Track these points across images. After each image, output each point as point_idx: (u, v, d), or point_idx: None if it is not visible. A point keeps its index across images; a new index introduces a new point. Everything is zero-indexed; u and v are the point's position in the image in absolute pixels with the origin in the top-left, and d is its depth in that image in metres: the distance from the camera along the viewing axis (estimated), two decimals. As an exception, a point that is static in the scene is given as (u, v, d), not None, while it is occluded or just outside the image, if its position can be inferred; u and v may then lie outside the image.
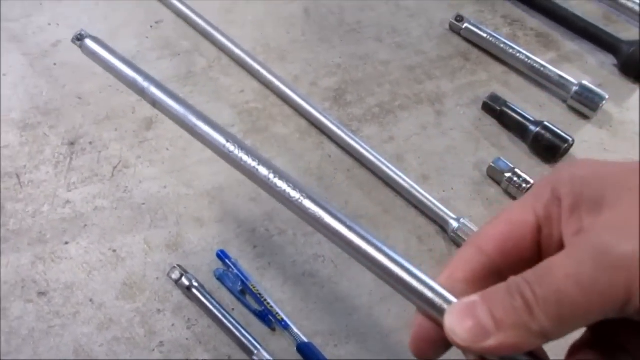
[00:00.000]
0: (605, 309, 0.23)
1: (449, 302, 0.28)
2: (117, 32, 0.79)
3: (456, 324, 0.26)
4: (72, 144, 0.68)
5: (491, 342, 0.25)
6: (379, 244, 0.31)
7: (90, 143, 0.68)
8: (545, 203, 0.28)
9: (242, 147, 0.38)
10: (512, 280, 0.26)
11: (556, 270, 0.24)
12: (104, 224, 0.62)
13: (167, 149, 0.68)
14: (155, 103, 0.43)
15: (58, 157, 0.67)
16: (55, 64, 0.75)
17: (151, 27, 0.81)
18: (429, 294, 0.28)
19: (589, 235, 0.25)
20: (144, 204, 0.64)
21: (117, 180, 0.65)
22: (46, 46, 0.77)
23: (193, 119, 0.41)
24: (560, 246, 0.27)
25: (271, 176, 0.36)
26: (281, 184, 0.36)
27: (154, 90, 0.43)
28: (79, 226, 0.62)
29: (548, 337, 0.25)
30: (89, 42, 0.49)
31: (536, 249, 0.29)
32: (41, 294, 0.57)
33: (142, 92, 0.44)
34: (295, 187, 0.35)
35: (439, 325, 0.28)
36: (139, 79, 0.44)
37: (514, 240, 0.28)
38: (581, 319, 0.24)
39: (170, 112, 0.42)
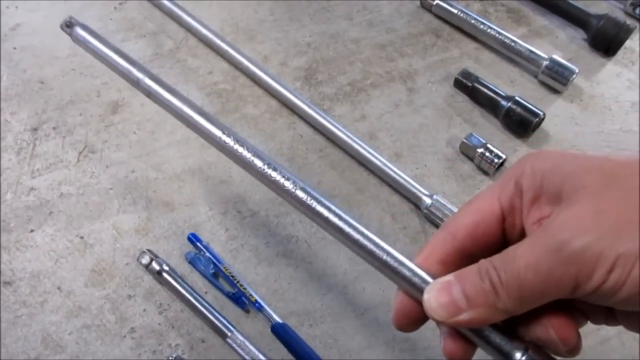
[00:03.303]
0: (558, 293, 0.27)
1: (426, 282, 0.32)
2: (79, 14, 0.77)
3: (433, 301, 0.30)
4: (35, 129, 0.66)
5: (463, 317, 0.29)
6: (368, 233, 0.34)
7: (54, 128, 0.66)
8: (509, 195, 0.32)
9: (238, 139, 0.39)
10: (482, 263, 0.30)
11: (519, 260, 0.28)
12: (70, 211, 0.60)
13: (135, 133, 0.67)
14: (150, 94, 0.43)
15: (21, 144, 0.65)
16: (15, 48, 0.73)
17: (115, 8, 0.79)
18: (410, 275, 0.32)
19: (547, 230, 0.28)
20: (111, 189, 0.62)
21: (83, 166, 0.64)
22: (5, 30, 0.75)
23: (189, 111, 0.41)
24: (522, 233, 0.32)
25: (265, 167, 0.38)
26: (275, 175, 0.37)
27: (148, 82, 0.42)
28: (44, 213, 0.60)
29: (510, 313, 0.29)
30: (79, 30, 0.46)
31: (501, 235, 0.32)
32: (6, 283, 0.56)
33: (136, 83, 0.43)
34: (288, 178, 0.37)
35: (418, 302, 0.32)
36: (134, 70, 0.43)
37: (482, 228, 0.32)
38: (538, 300, 0.28)
39: (166, 104, 0.42)
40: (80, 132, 0.66)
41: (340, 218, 0.35)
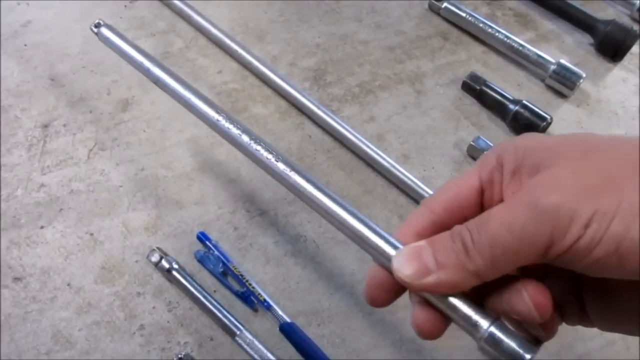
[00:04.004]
0: (532, 253, 0.26)
1: (398, 249, 0.32)
2: (90, 12, 0.77)
3: (403, 263, 0.30)
4: (45, 126, 0.66)
5: (431, 279, 0.28)
6: (343, 202, 0.35)
7: (65, 125, 0.67)
8: (489, 169, 0.31)
9: (229, 118, 0.44)
10: (456, 227, 0.29)
11: (493, 219, 0.27)
12: (80, 208, 0.61)
13: (144, 131, 0.67)
14: (157, 81, 0.49)
15: (31, 140, 0.65)
16: (26, 45, 0.73)
17: (125, 6, 0.79)
18: (382, 243, 0.32)
19: (523, 190, 0.28)
20: (121, 186, 0.63)
21: (93, 163, 0.64)
22: (16, 26, 0.75)
23: (187, 94, 0.46)
24: None
25: (252, 142, 0.42)
26: (259, 148, 0.41)
27: (156, 70, 0.49)
28: (54, 210, 0.60)
29: (482, 277, 0.28)
30: (104, 30, 0.54)
31: (479, 209, 0.32)
32: (17, 279, 0.56)
33: (147, 72, 0.49)
34: (271, 150, 0.41)
35: (390, 272, 0.31)
36: (145, 61, 0.50)
37: (459, 201, 0.32)
38: (511, 262, 0.27)
39: (169, 89, 0.48)
40: (90, 130, 0.66)
41: (316, 186, 0.37)
